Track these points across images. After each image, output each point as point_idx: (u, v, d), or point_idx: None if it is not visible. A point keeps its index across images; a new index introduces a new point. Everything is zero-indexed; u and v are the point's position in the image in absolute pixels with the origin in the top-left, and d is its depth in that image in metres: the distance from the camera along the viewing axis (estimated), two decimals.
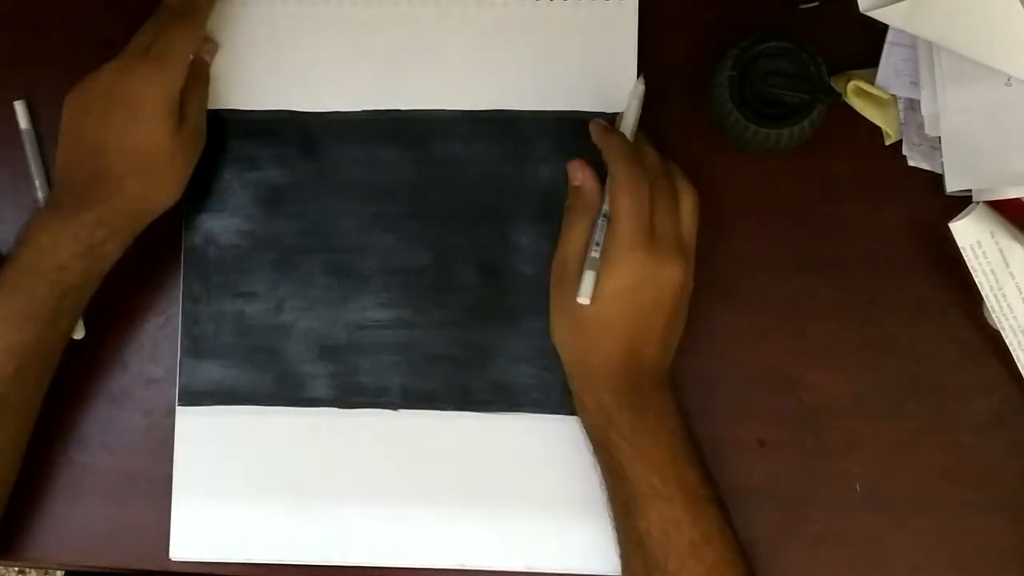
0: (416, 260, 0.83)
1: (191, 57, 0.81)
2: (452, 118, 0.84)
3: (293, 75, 0.85)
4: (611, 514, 0.78)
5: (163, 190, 0.80)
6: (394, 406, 0.83)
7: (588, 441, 0.79)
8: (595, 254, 0.75)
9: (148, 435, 0.84)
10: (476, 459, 0.82)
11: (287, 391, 0.83)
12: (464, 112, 0.84)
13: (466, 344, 0.83)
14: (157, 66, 0.79)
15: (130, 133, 0.78)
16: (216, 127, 0.84)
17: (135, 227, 0.80)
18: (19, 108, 0.85)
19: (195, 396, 0.83)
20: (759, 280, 0.82)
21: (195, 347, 0.83)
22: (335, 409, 0.83)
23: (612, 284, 0.75)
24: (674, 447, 0.77)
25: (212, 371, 0.83)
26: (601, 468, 0.78)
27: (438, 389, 0.82)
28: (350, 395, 0.83)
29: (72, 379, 0.81)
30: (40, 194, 0.85)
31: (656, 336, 0.77)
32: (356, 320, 0.83)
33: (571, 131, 0.82)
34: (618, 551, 0.78)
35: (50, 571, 1.22)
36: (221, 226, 0.84)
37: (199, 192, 0.84)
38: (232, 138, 0.85)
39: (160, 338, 0.84)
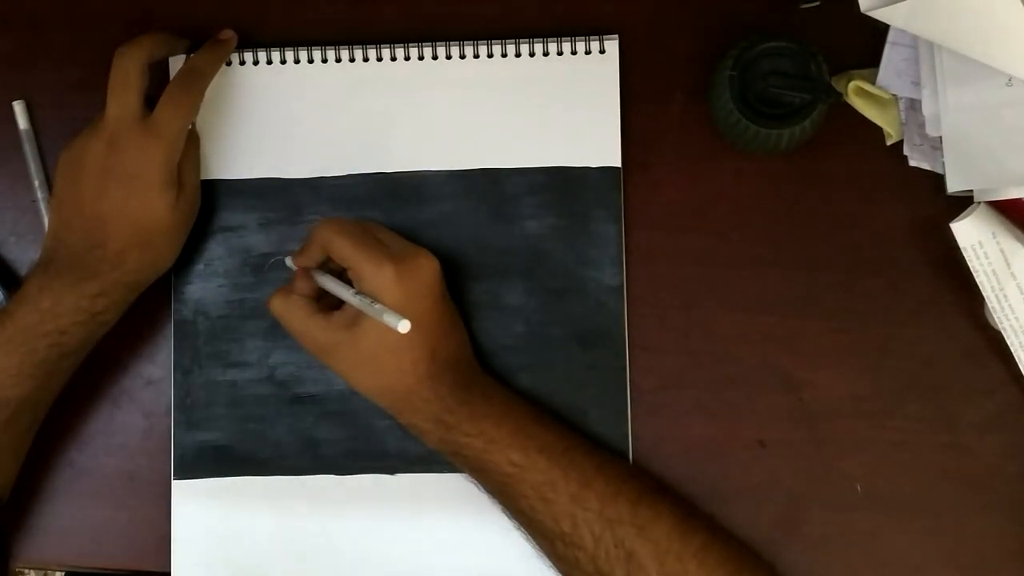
0: None
1: (190, 127, 0.80)
2: (438, 178, 0.83)
3: (277, 142, 0.84)
4: (505, 512, 0.78)
5: (162, 261, 0.80)
6: (391, 470, 0.82)
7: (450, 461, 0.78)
8: (357, 298, 0.74)
9: (147, 436, 0.84)
10: (476, 519, 0.81)
11: (283, 459, 0.83)
12: (450, 172, 0.83)
13: None
14: (157, 140, 0.77)
15: (130, 208, 0.77)
16: (202, 196, 0.82)
17: (133, 296, 0.80)
18: (18, 108, 0.85)
19: (190, 468, 0.83)
20: (759, 280, 0.82)
21: (188, 419, 0.83)
22: (332, 476, 0.82)
23: (391, 302, 0.74)
24: (516, 417, 0.77)
25: (207, 443, 0.83)
26: (468, 472, 0.78)
27: (434, 451, 0.81)
28: (347, 461, 0.82)
29: (72, 380, 0.81)
30: (40, 194, 0.85)
31: (448, 324, 0.78)
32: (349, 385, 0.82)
33: (557, 186, 0.82)
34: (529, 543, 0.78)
35: (50, 571, 1.23)
36: (210, 297, 0.83)
37: (187, 261, 0.83)
38: (218, 207, 0.84)
39: (158, 339, 0.84)
